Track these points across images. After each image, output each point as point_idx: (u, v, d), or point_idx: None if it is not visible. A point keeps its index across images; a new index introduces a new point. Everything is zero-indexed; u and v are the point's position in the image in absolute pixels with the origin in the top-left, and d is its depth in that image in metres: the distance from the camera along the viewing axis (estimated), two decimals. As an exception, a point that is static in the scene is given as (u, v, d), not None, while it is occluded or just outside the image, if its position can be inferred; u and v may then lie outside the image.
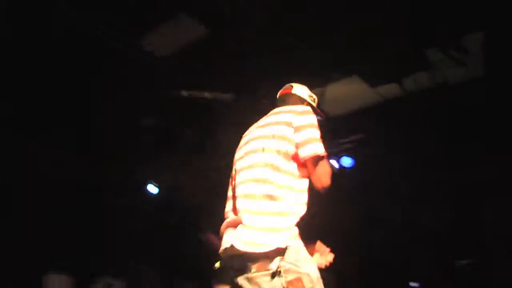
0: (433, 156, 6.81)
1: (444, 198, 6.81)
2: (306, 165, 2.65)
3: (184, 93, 6.62)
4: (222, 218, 2.76)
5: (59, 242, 8.21)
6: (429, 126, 6.35)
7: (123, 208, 9.56)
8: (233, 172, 2.83)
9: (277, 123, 2.76)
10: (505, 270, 5.62)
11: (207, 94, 6.57)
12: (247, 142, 2.85)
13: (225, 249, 2.60)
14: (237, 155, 2.88)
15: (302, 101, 3.02)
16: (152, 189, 8.75)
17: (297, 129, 2.68)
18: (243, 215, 2.58)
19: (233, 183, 2.78)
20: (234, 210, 2.68)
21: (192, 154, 8.02)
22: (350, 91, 6.58)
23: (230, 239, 2.58)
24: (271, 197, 2.56)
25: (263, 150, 2.69)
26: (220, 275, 2.65)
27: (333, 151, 7.54)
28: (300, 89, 3.09)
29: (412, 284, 4.91)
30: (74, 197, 8.37)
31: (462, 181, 6.68)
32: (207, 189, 8.50)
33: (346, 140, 7.46)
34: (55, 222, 8.20)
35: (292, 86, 3.09)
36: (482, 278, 5.26)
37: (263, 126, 2.84)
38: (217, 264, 2.66)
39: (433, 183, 6.93)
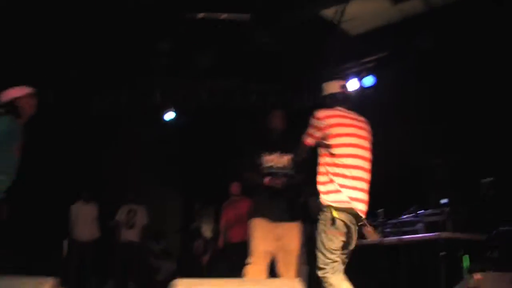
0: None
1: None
2: None
3: (200, 15, 6.42)
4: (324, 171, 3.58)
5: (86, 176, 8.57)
6: (454, 43, 6.12)
7: (142, 135, 9.65)
8: (337, 138, 3.53)
9: (367, 137, 3.73)
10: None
11: (224, 15, 6.38)
12: (355, 134, 3.60)
13: (345, 206, 3.40)
14: (343, 130, 3.55)
15: None
16: (170, 115, 8.68)
17: None
18: (357, 182, 3.47)
19: (338, 150, 3.50)
20: (345, 175, 3.45)
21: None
22: (371, 8, 6.35)
23: (348, 198, 3.41)
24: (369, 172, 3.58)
25: (366, 149, 3.65)
26: (337, 225, 3.41)
27: (354, 70, 7.39)
28: None
29: (442, 201, 4.94)
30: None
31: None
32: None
33: (368, 59, 7.28)
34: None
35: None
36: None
37: (360, 128, 3.68)
38: (335, 214, 3.38)
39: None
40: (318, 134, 3.53)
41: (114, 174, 9.70)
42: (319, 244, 3.43)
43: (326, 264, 3.37)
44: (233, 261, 7.20)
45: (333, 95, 3.75)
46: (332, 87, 3.80)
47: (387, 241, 5.25)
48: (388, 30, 6.64)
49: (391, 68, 7.02)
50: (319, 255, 3.41)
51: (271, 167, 4.30)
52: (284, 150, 4.26)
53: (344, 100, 3.75)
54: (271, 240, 4.19)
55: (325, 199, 3.47)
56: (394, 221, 5.38)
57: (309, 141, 3.59)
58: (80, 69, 7.24)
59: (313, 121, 3.57)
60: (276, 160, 4.29)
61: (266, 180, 4.13)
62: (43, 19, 6.14)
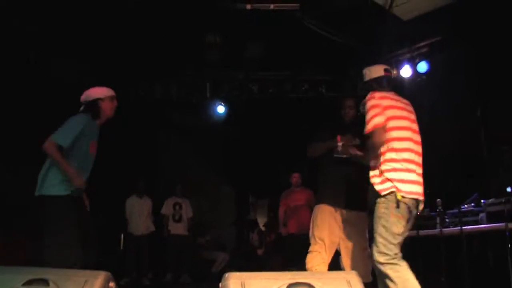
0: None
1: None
2: None
3: (248, 6, 6.39)
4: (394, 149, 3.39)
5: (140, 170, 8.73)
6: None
7: (194, 128, 9.74)
8: (392, 120, 3.39)
9: (416, 121, 3.64)
10: None
11: (272, 6, 6.32)
12: (407, 118, 3.51)
13: (407, 190, 3.28)
14: (396, 112, 3.44)
15: None
16: (220, 109, 8.72)
17: None
18: (413, 166, 3.38)
19: (393, 133, 3.38)
20: (404, 159, 3.35)
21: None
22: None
23: (409, 183, 3.31)
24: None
25: (417, 133, 3.58)
26: (400, 208, 3.27)
27: (407, 56, 7.18)
28: None
29: (508, 189, 4.71)
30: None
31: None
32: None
33: (421, 44, 7.05)
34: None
35: None
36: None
37: (410, 112, 3.58)
38: (399, 197, 3.25)
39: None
40: (383, 112, 3.37)
41: (168, 168, 9.87)
42: (379, 229, 3.24)
43: (390, 249, 3.19)
44: (287, 253, 7.19)
45: (378, 79, 3.62)
46: (376, 71, 3.66)
47: (447, 232, 5.08)
48: (441, 14, 6.39)
49: (445, 53, 6.78)
50: (380, 240, 3.21)
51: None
52: (354, 138, 4.16)
53: (389, 84, 3.63)
54: (335, 228, 4.11)
55: (386, 184, 3.31)
56: (453, 211, 5.19)
57: (381, 120, 3.33)
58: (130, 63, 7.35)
59: (373, 102, 3.40)
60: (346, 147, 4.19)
61: (338, 138, 4.05)
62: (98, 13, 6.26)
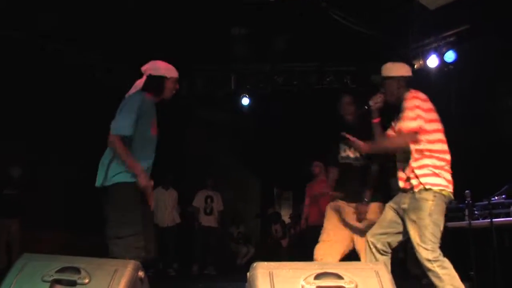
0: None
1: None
2: None
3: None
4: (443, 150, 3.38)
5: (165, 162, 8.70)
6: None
7: (219, 121, 9.77)
8: (431, 123, 3.36)
9: None
10: None
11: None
12: (438, 120, 3.42)
13: (448, 190, 3.28)
14: (433, 115, 3.39)
15: None
16: (245, 101, 8.71)
17: None
18: (449, 166, 3.34)
19: (438, 135, 3.37)
20: (444, 159, 3.33)
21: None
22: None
23: (447, 182, 3.29)
24: None
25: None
26: (445, 206, 3.29)
27: (434, 46, 7.07)
28: None
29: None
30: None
31: None
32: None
33: (449, 33, 6.93)
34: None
35: None
36: None
37: (437, 113, 3.45)
38: (448, 194, 3.27)
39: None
40: (425, 115, 3.32)
41: (193, 160, 9.91)
42: (430, 226, 3.18)
43: (437, 246, 3.18)
44: (307, 244, 7.16)
45: (407, 78, 3.58)
46: (404, 69, 3.62)
47: (476, 224, 5.00)
48: (468, 2, 6.27)
49: (473, 42, 6.65)
50: (430, 237, 3.17)
51: (347, 156, 4.30)
52: (360, 138, 4.17)
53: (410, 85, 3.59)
54: (342, 223, 4.17)
55: (432, 180, 3.26)
56: (483, 203, 5.10)
57: (419, 124, 3.29)
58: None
59: (417, 102, 3.33)
60: (353, 150, 4.24)
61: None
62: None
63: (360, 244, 4.07)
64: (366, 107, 3.75)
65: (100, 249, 3.29)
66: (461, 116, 6.38)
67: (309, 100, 8.63)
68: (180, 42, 7.09)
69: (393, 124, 3.64)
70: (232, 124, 9.91)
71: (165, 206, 8.38)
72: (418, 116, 3.29)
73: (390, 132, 3.65)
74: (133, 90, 3.59)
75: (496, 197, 5.04)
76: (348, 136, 3.79)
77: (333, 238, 4.14)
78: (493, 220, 4.74)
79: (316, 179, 7.30)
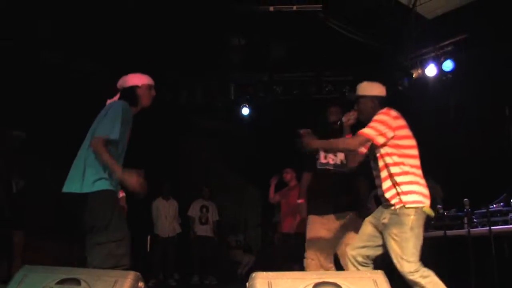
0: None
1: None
2: None
3: (271, 8, 6.42)
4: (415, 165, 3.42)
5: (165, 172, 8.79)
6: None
7: (219, 130, 9.78)
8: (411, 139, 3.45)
9: None
10: None
11: (295, 8, 6.33)
12: (412, 136, 3.47)
13: (426, 205, 3.31)
14: (407, 132, 3.45)
15: None
16: (245, 111, 8.75)
17: None
18: (424, 180, 3.40)
19: (413, 151, 3.43)
20: (420, 175, 3.39)
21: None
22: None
23: (425, 198, 3.34)
24: None
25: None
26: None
27: (432, 55, 7.11)
28: None
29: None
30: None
31: None
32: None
33: (446, 42, 6.97)
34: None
35: None
36: None
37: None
38: (428, 210, 3.30)
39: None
40: (390, 134, 3.38)
41: (193, 170, 9.92)
42: (411, 238, 3.24)
43: (417, 258, 3.24)
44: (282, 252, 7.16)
45: (381, 98, 3.63)
46: (379, 89, 3.67)
47: (475, 232, 5.01)
48: (466, 12, 6.32)
49: (471, 51, 6.69)
50: (413, 250, 3.22)
51: (327, 163, 4.39)
52: None
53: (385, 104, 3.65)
54: (327, 235, 4.25)
55: (411, 197, 3.32)
56: (482, 211, 5.11)
57: (380, 140, 3.37)
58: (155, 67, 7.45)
59: (385, 118, 3.40)
60: (333, 157, 4.31)
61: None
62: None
63: (341, 250, 4.17)
64: (339, 122, 3.80)
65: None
66: (460, 125, 6.41)
67: (309, 109, 8.65)
68: (180, 52, 7.13)
69: None
70: (231, 134, 9.92)
71: (166, 217, 8.40)
72: (382, 133, 3.36)
73: (361, 149, 3.70)
74: (108, 102, 3.60)
75: (494, 205, 5.04)
76: (301, 131, 3.81)
77: (321, 256, 4.21)
78: (492, 228, 4.75)
79: (290, 186, 7.25)
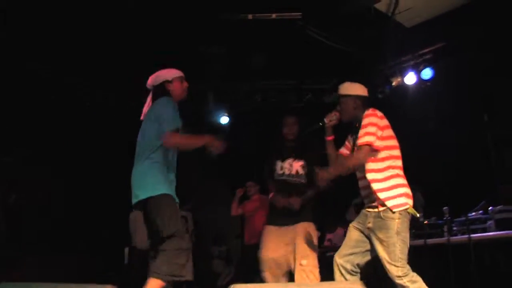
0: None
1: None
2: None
3: (250, 16, 6.38)
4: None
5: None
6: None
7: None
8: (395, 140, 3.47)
9: None
10: None
11: (274, 16, 6.31)
12: (395, 136, 3.50)
13: (410, 206, 3.32)
14: (391, 132, 3.47)
15: None
16: (224, 119, 8.66)
17: None
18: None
19: (397, 151, 3.46)
20: (403, 176, 3.42)
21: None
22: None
23: (409, 199, 3.36)
24: None
25: None
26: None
27: (411, 64, 7.13)
28: None
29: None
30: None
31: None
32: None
33: (425, 50, 7.00)
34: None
35: None
36: None
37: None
38: (412, 212, 3.32)
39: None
40: (380, 134, 3.39)
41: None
42: (397, 243, 3.23)
43: (406, 262, 3.25)
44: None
45: (364, 98, 3.65)
46: (361, 89, 3.69)
47: (454, 240, 5.00)
48: (444, 20, 6.37)
49: (450, 59, 6.74)
50: (400, 255, 3.22)
51: (283, 174, 4.36)
52: (297, 157, 4.24)
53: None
54: (281, 246, 4.22)
55: (398, 201, 3.32)
56: (461, 219, 5.11)
57: (378, 144, 3.36)
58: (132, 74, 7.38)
59: (375, 120, 3.40)
60: (288, 167, 4.28)
61: (282, 202, 4.21)
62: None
63: (297, 267, 4.07)
64: (320, 124, 3.74)
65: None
66: (439, 133, 6.43)
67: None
68: (158, 62, 7.03)
69: (347, 142, 3.67)
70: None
71: (144, 228, 8.21)
72: (374, 134, 3.37)
73: (343, 150, 3.69)
74: (146, 108, 3.57)
75: (473, 213, 5.06)
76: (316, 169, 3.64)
77: (275, 268, 4.16)
78: (471, 235, 4.75)
79: (251, 198, 7.26)
